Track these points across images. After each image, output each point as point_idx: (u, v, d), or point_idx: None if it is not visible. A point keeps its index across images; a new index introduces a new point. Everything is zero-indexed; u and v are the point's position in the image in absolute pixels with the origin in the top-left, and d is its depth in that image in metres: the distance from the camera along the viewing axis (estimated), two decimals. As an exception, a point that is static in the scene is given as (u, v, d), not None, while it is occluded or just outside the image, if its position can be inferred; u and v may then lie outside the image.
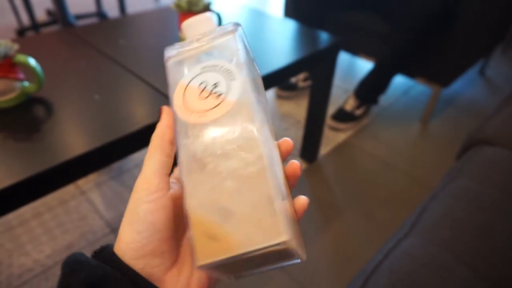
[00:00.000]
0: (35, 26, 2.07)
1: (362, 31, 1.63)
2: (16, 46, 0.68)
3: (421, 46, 1.47)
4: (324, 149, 1.44)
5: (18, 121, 0.67)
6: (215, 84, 0.27)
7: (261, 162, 0.23)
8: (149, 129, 0.69)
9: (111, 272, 0.22)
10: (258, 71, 0.30)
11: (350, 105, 1.57)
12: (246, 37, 0.30)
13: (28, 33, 2.08)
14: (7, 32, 2.18)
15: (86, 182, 1.21)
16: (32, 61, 0.69)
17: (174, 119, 0.27)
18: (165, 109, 0.28)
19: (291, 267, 1.00)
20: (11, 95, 0.69)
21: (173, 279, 0.24)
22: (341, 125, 1.55)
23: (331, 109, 1.59)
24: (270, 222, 0.22)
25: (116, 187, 1.20)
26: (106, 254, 0.24)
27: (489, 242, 0.50)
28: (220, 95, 0.26)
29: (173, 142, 0.26)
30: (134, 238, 0.23)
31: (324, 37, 1.13)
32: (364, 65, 2.06)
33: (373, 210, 1.20)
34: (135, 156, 1.31)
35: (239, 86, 0.26)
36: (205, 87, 0.27)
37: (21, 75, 0.70)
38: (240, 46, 0.28)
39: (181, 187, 0.25)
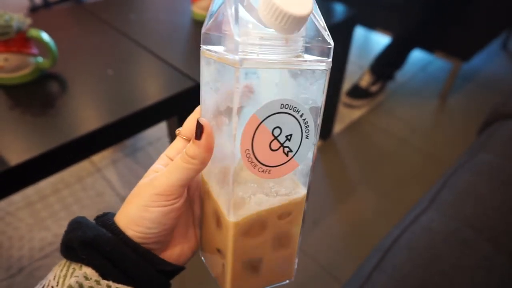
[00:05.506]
0: (47, 4, 2.06)
1: (378, 3, 1.57)
2: (28, 21, 0.67)
3: (440, 17, 1.41)
4: (338, 126, 1.42)
5: (34, 96, 0.67)
6: (289, 136, 0.24)
7: (295, 231, 0.28)
8: (162, 105, 0.68)
9: (105, 233, 0.25)
10: None
11: (365, 81, 1.53)
12: None
13: (40, 11, 2.07)
14: (20, 11, 2.17)
15: (102, 159, 1.23)
16: (45, 36, 0.68)
17: (232, 151, 0.23)
18: (206, 129, 0.24)
19: (305, 243, 1.01)
20: (26, 71, 0.69)
21: (166, 257, 0.28)
22: (356, 102, 1.52)
23: (346, 85, 1.56)
24: (289, 270, 0.30)
25: (130, 165, 1.22)
26: (106, 219, 0.26)
27: (512, 218, 0.49)
28: (289, 152, 0.24)
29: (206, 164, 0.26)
30: (142, 230, 0.25)
31: (339, 9, 1.09)
32: (380, 40, 1.99)
33: (388, 187, 1.19)
34: (148, 133, 1.31)
35: (309, 149, 0.25)
36: (278, 136, 0.24)
37: (35, 50, 0.70)
38: (325, 92, 0.24)
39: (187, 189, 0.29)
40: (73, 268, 0.24)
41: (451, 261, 0.44)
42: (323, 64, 0.24)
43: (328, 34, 0.24)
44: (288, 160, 0.24)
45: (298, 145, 0.24)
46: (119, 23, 0.93)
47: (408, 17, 1.43)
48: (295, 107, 0.23)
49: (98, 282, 0.23)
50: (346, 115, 1.49)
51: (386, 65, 1.52)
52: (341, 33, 1.08)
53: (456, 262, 0.44)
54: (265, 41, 0.22)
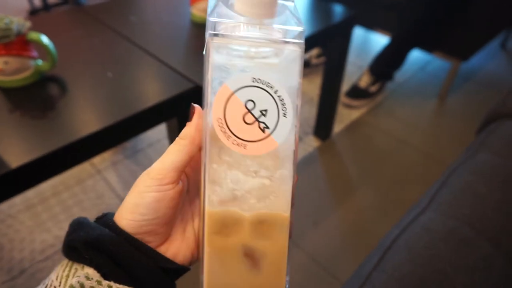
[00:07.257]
0: (47, 6, 2.06)
1: (377, 3, 1.57)
2: (28, 24, 0.67)
3: (439, 17, 1.41)
4: (337, 127, 1.42)
5: (33, 99, 0.68)
6: (264, 111, 0.24)
7: (284, 222, 0.25)
8: (162, 106, 0.69)
9: (107, 233, 0.25)
10: None
11: (364, 81, 1.53)
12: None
13: (39, 14, 2.08)
14: (19, 13, 2.18)
15: (102, 161, 1.23)
16: (45, 39, 0.68)
17: (206, 122, 0.24)
18: (197, 110, 0.26)
19: (305, 243, 1.01)
20: (26, 74, 0.69)
21: (161, 251, 0.27)
22: (355, 102, 1.52)
23: (345, 86, 1.56)
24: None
25: (131, 166, 1.22)
26: (106, 220, 0.26)
27: None
28: (266, 128, 0.24)
29: (200, 147, 0.26)
30: (136, 218, 0.25)
31: (338, 10, 1.09)
32: (379, 41, 2.00)
33: (388, 188, 1.19)
34: (148, 135, 1.32)
35: (288, 128, 0.25)
36: (252, 109, 0.24)
37: (35, 53, 0.70)
38: (300, 73, 0.25)
39: (188, 183, 0.29)
40: (76, 268, 0.25)
41: (451, 260, 0.44)
42: (295, 45, 0.25)
43: (299, 19, 0.26)
44: (266, 137, 0.24)
45: (275, 123, 0.24)
46: (119, 25, 0.93)
47: (406, 17, 1.43)
48: (268, 83, 0.24)
49: (99, 283, 0.23)
50: (345, 115, 1.49)
51: (385, 65, 1.52)
52: (340, 34, 1.09)
53: (455, 262, 0.44)
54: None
